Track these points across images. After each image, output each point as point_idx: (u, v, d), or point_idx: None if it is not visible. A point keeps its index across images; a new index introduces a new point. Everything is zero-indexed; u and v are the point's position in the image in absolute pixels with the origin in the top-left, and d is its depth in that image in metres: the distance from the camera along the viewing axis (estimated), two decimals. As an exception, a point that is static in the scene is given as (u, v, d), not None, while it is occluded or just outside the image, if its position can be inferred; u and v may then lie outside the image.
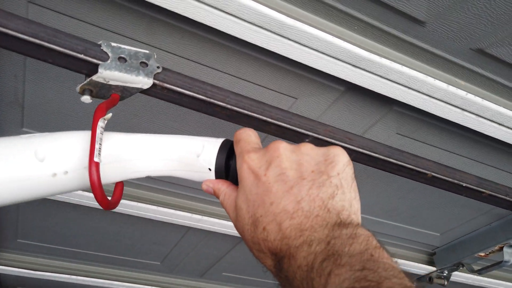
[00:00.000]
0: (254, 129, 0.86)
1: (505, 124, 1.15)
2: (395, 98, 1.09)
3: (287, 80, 1.14)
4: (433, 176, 0.98)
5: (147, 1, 0.83)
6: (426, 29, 0.96)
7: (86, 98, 0.62)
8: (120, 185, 0.63)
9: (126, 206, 1.51)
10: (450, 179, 1.00)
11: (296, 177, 0.49)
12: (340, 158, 0.51)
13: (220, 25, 0.88)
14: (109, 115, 0.58)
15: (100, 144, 0.54)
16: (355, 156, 0.93)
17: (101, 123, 0.55)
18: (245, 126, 0.86)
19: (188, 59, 1.06)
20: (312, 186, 0.48)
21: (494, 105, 1.10)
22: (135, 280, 2.19)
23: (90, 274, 2.09)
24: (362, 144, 0.92)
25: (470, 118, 1.13)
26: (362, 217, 1.62)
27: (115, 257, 2.04)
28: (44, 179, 0.50)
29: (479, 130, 1.17)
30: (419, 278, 2.11)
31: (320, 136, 0.88)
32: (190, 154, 0.60)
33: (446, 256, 2.01)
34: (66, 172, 0.52)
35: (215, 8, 0.84)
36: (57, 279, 2.03)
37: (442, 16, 0.92)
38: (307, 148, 0.53)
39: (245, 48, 1.03)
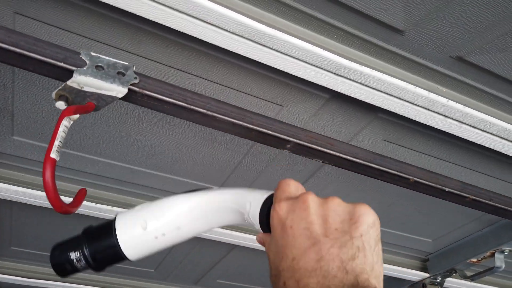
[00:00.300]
0: (236, 135, 0.88)
1: (488, 130, 1.16)
2: (378, 105, 1.10)
3: (272, 88, 1.17)
4: (416, 181, 0.99)
5: (131, 12, 0.86)
6: (405, 37, 0.98)
7: (61, 104, 0.63)
8: (82, 192, 0.66)
9: (115, 213, 1.52)
10: (433, 184, 1.01)
11: (319, 233, 0.50)
12: (365, 218, 0.51)
13: (202, 34, 0.90)
14: (76, 116, 0.60)
15: (60, 141, 0.56)
16: (337, 162, 0.95)
17: (65, 122, 0.57)
18: (227, 132, 0.88)
19: (174, 68, 1.08)
20: (334, 245, 0.48)
21: (476, 111, 1.12)
22: (129, 288, 2.19)
23: (84, 282, 2.09)
24: (344, 149, 0.93)
25: (453, 124, 1.15)
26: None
27: (109, 264, 2.05)
28: (150, 241, 0.65)
29: (462, 136, 1.19)
30: (412, 285, 2.11)
31: (302, 142, 0.90)
32: (238, 215, 0.66)
33: (439, 263, 2.01)
34: (163, 234, 0.65)
35: (197, 18, 0.87)
36: (51, 286, 2.03)
37: (419, 25, 0.94)
38: (335, 203, 0.54)
39: (229, 57, 1.05)
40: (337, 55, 0.97)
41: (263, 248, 1.95)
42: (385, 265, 1.99)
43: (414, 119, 1.14)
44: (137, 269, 2.11)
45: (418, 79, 1.07)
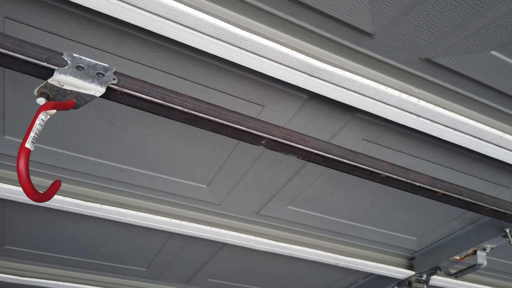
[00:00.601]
0: (213, 131, 0.93)
1: (459, 129, 1.22)
2: (353, 105, 1.16)
3: (254, 89, 1.22)
4: (387, 176, 1.04)
5: (114, 17, 0.91)
6: (375, 40, 1.04)
7: (41, 100, 0.68)
8: (57, 183, 0.70)
9: (106, 211, 1.56)
10: (403, 179, 1.06)
11: None
12: None
13: (182, 37, 0.95)
14: (53, 111, 0.65)
15: (35, 133, 0.61)
16: (310, 157, 1.00)
17: (42, 116, 0.62)
18: (204, 129, 0.93)
19: (158, 69, 1.13)
20: None
21: (447, 111, 1.17)
22: (121, 287, 2.23)
23: (77, 281, 2.13)
24: (316, 145, 0.98)
25: (426, 123, 1.20)
26: (339, 222, 1.69)
27: (101, 263, 2.09)
28: None
29: (435, 135, 1.24)
30: (399, 283, 2.15)
31: (275, 138, 0.95)
32: None
33: (424, 260, 2.05)
34: None
35: (176, 22, 0.92)
36: (44, 285, 2.07)
37: (388, 28, 1.00)
38: None
39: (209, 59, 1.10)
40: (311, 57, 1.02)
41: (251, 246, 1.99)
42: (372, 263, 2.03)
43: (388, 118, 1.19)
44: (128, 268, 2.15)
45: (389, 80, 1.13)
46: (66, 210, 1.55)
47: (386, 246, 2.03)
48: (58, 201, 1.50)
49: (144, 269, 2.18)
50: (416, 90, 1.16)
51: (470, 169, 1.51)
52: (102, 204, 1.54)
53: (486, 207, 1.15)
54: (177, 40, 0.96)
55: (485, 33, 0.98)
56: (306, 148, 0.97)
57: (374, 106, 1.15)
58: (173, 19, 0.91)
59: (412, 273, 2.07)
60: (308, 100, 1.25)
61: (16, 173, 1.45)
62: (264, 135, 0.93)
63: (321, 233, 1.90)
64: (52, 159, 1.42)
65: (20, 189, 1.43)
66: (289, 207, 1.73)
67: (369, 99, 1.13)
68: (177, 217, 1.66)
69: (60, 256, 2.02)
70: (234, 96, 1.24)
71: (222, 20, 0.94)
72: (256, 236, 1.81)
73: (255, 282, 2.36)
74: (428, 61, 1.08)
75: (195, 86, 1.20)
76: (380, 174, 1.03)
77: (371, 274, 2.27)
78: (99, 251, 1.99)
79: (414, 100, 1.13)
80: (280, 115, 1.30)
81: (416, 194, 1.11)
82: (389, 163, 1.06)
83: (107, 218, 1.60)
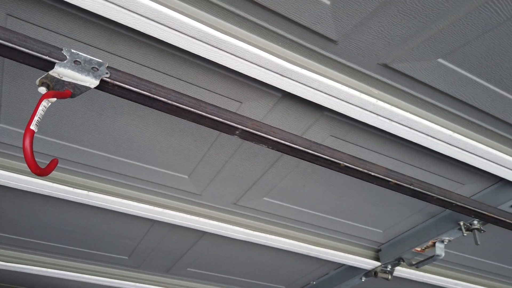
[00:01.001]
0: (193, 121, 1.05)
1: (414, 127, 1.37)
2: (320, 104, 1.30)
3: (232, 87, 1.35)
4: (346, 166, 1.18)
5: (106, 17, 1.03)
6: (339, 46, 1.18)
7: (42, 89, 0.80)
8: (55, 161, 0.81)
9: (93, 198, 1.67)
10: (360, 169, 1.20)
11: None
12: None
13: (168, 38, 1.08)
14: (54, 99, 0.77)
15: (39, 117, 0.73)
16: (279, 147, 1.13)
17: (44, 103, 0.74)
18: (185, 119, 1.06)
19: (146, 66, 1.25)
20: None
21: (403, 111, 1.32)
22: (104, 274, 2.32)
23: (61, 268, 2.22)
24: (284, 137, 1.12)
25: (384, 122, 1.35)
26: (311, 214, 1.84)
27: (85, 251, 2.18)
28: None
29: (393, 133, 1.39)
30: (366, 273, 2.31)
31: (248, 129, 1.08)
32: None
33: (390, 252, 2.21)
34: None
35: (163, 24, 1.04)
36: (27, 271, 2.15)
37: (349, 36, 1.14)
38: None
39: (193, 58, 1.23)
40: (282, 59, 1.16)
41: (229, 235, 2.14)
42: (341, 254, 2.18)
43: (351, 116, 1.33)
44: (111, 256, 2.24)
45: (352, 81, 1.27)
46: (54, 196, 1.65)
47: (355, 238, 2.18)
48: (47, 187, 1.60)
49: (126, 257, 2.28)
50: (376, 91, 1.31)
51: (428, 166, 1.67)
52: (89, 191, 1.64)
53: (434, 196, 1.31)
54: (164, 40, 1.08)
55: (432, 43, 1.13)
56: (275, 139, 1.10)
57: (338, 104, 1.29)
58: (161, 22, 1.03)
59: (378, 264, 2.23)
60: (281, 98, 1.38)
61: (8, 159, 1.55)
62: (238, 126, 1.06)
63: (294, 224, 2.04)
64: (43, 147, 1.52)
65: (11, 174, 1.53)
66: (265, 198, 1.86)
67: (334, 98, 1.27)
68: (159, 206, 1.77)
69: (45, 243, 2.11)
70: (215, 93, 1.37)
71: (205, 24, 1.07)
72: (233, 225, 1.94)
73: (233, 272, 2.48)
74: (385, 66, 1.23)
75: (179, 82, 1.32)
76: (340, 164, 1.17)
77: (342, 265, 2.42)
78: (83, 239, 2.08)
79: (373, 100, 1.28)
80: (256, 111, 1.43)
81: (372, 183, 1.25)
82: (348, 154, 1.20)
83: (93, 204, 1.70)
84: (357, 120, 1.38)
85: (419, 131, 1.38)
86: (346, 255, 2.20)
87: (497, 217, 1.45)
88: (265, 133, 1.09)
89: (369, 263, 2.25)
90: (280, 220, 2.01)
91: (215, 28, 1.08)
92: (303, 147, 1.13)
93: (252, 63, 1.16)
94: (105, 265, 2.32)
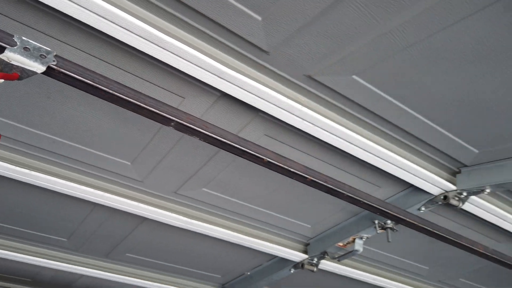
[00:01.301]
0: (133, 111, 1.18)
1: (334, 133, 1.57)
2: (253, 105, 1.46)
3: (176, 83, 1.48)
4: (269, 161, 1.36)
5: (58, 10, 1.13)
6: (270, 56, 1.35)
7: (-8, 70, 0.89)
8: None
9: (35, 177, 1.73)
10: (281, 165, 1.38)
11: None
12: None
13: (116, 34, 1.19)
14: (1, 80, 0.87)
15: None
16: (210, 140, 1.28)
17: None
18: (126, 109, 1.18)
19: (95, 57, 1.35)
20: None
21: (324, 118, 1.52)
22: (41, 255, 2.35)
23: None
24: (215, 131, 1.27)
25: (308, 126, 1.54)
26: (246, 206, 2.02)
27: (22, 230, 2.21)
28: None
29: (315, 135, 1.58)
30: (295, 265, 2.51)
31: (183, 122, 1.22)
32: None
33: (317, 246, 2.43)
34: None
35: (111, 21, 1.16)
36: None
37: (279, 49, 1.32)
38: None
39: (139, 54, 1.35)
40: (219, 62, 1.31)
41: (169, 222, 2.26)
42: (273, 246, 2.36)
43: (280, 118, 1.51)
44: (50, 237, 2.28)
45: (282, 88, 1.45)
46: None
47: (286, 231, 2.37)
48: (-11, 164, 1.64)
49: (65, 240, 2.33)
50: (303, 98, 1.50)
51: (349, 168, 1.88)
52: (31, 170, 1.70)
53: (344, 194, 1.52)
54: (112, 36, 1.20)
55: (347, 61, 1.33)
56: (206, 132, 1.25)
57: (268, 107, 1.46)
58: (110, 19, 1.15)
59: (306, 256, 2.44)
60: (220, 97, 1.53)
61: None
62: (174, 118, 1.20)
63: (231, 215, 2.20)
64: (-13, 124, 1.57)
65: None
66: (204, 189, 2.00)
67: (264, 101, 1.44)
68: (100, 189, 1.86)
69: (-18, 221, 2.11)
70: (160, 87, 1.49)
71: (151, 25, 1.20)
72: (173, 213, 2.06)
73: (171, 259, 2.60)
74: (310, 77, 1.42)
75: (126, 74, 1.43)
76: (263, 159, 1.34)
77: (274, 257, 2.61)
78: (22, 218, 2.11)
79: (299, 106, 1.46)
80: (197, 107, 1.57)
81: (292, 178, 1.44)
82: (272, 151, 1.38)
83: (35, 184, 1.76)
84: (286, 122, 1.55)
85: (339, 137, 1.58)
86: (278, 247, 2.38)
87: (399, 216, 1.69)
88: (198, 127, 1.24)
89: (298, 256, 2.45)
90: (217, 211, 2.16)
91: (160, 30, 1.21)
92: (232, 142, 1.29)
93: (191, 63, 1.30)
94: (43, 246, 2.35)
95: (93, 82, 1.06)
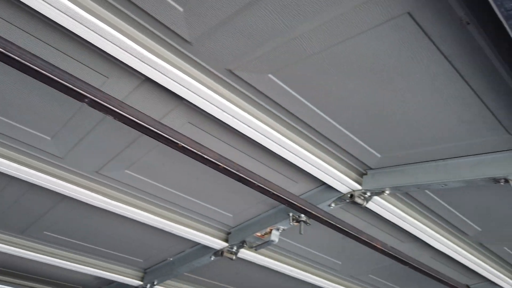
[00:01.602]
0: (45, 83, 1.19)
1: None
2: (176, 92, 1.52)
3: (100, 62, 1.50)
4: (183, 147, 1.43)
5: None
6: (194, 47, 1.42)
7: None
8: None
9: None
10: (195, 151, 1.46)
11: None
12: None
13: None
14: None
15: None
16: (125, 120, 1.33)
17: None
18: (39, 80, 1.19)
19: (15, 26, 1.34)
20: None
21: (243, 111, 1.61)
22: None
23: None
24: (132, 112, 1.32)
25: (228, 117, 1.63)
26: (169, 191, 2.06)
27: None
28: None
29: (237, 128, 1.67)
30: (215, 252, 2.60)
31: (97, 100, 1.25)
32: None
33: (237, 235, 2.54)
34: None
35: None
36: None
37: (201, 41, 1.39)
38: None
39: (65, 30, 1.36)
40: (142, 46, 1.36)
41: (89, 202, 2.25)
42: (195, 232, 2.43)
43: (202, 108, 1.59)
44: (-40, 209, 2.19)
45: (204, 78, 1.52)
46: None
47: (208, 219, 2.45)
48: None
49: (-22, 213, 2.24)
50: (225, 91, 1.58)
51: (268, 162, 2.00)
52: None
53: (255, 183, 1.63)
54: (42, 13, 1.20)
55: (262, 60, 1.43)
56: (122, 113, 1.30)
57: (190, 96, 1.53)
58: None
59: (226, 244, 2.54)
60: (144, 81, 1.58)
61: None
62: (88, 95, 1.23)
63: (153, 199, 2.24)
64: None
65: None
66: (126, 171, 2.03)
67: (186, 90, 1.51)
68: (16, 162, 1.82)
69: None
70: (83, 64, 1.50)
71: (76, 4, 1.22)
72: (94, 193, 2.06)
73: (91, 240, 2.58)
74: (230, 71, 1.51)
75: (49, 48, 1.43)
76: (178, 143, 1.41)
77: (197, 244, 2.68)
78: None
79: (219, 98, 1.55)
80: (120, 88, 1.60)
81: (205, 164, 1.52)
82: (187, 137, 1.45)
83: None
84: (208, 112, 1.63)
85: (256, 131, 1.69)
86: (200, 234, 2.45)
87: (306, 208, 1.83)
88: (113, 106, 1.28)
89: (219, 244, 2.54)
90: (139, 194, 2.19)
91: (86, 10, 1.24)
92: (148, 124, 1.34)
93: (116, 45, 1.34)
94: (-48, 219, 2.25)
95: (5, 50, 1.07)
